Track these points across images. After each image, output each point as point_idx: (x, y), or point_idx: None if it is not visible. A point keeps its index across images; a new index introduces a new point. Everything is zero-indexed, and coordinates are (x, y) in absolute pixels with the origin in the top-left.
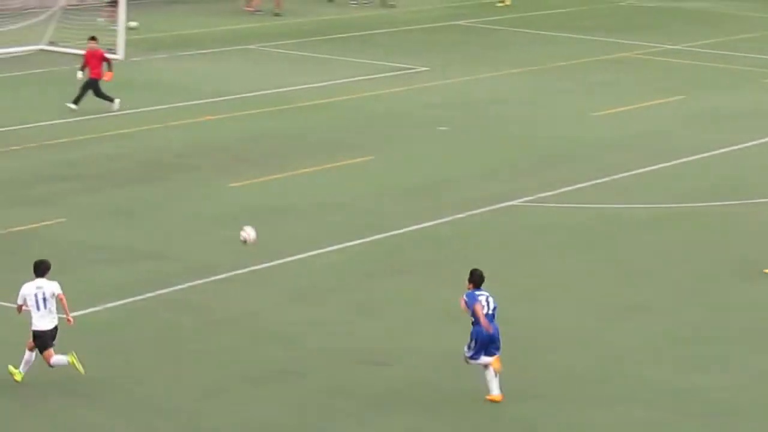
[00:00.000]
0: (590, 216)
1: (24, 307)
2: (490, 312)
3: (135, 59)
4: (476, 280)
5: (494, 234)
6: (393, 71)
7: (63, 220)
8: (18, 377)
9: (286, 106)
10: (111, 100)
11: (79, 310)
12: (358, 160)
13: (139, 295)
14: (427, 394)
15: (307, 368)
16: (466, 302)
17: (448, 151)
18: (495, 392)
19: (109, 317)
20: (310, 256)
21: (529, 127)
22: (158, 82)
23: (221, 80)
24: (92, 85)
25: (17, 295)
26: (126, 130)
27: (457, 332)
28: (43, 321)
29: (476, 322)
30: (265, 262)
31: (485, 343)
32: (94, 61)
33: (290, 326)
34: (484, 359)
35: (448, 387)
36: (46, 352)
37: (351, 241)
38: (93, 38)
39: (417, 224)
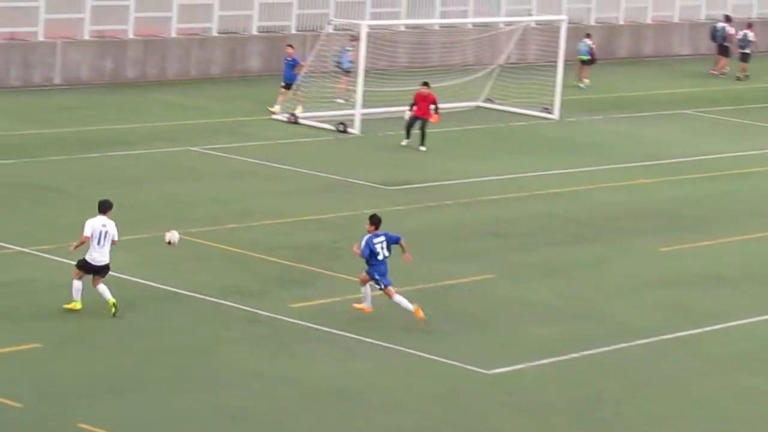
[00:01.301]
0: None
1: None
2: (387, 254)
3: (570, 119)
4: (376, 222)
5: None
6: None
7: (492, 276)
8: (78, 305)
9: (718, 173)
10: (422, 143)
11: (503, 366)
12: None
13: (562, 354)
14: None
15: None
16: (362, 249)
17: None
18: (366, 304)
19: (532, 375)
20: (737, 325)
21: None
22: (592, 143)
23: (655, 144)
24: (417, 120)
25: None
26: (557, 190)
27: None
28: (98, 255)
29: (369, 263)
30: (692, 329)
31: (381, 275)
32: (424, 103)
33: (714, 393)
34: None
35: None
36: (94, 279)
37: None
38: (426, 84)
39: None
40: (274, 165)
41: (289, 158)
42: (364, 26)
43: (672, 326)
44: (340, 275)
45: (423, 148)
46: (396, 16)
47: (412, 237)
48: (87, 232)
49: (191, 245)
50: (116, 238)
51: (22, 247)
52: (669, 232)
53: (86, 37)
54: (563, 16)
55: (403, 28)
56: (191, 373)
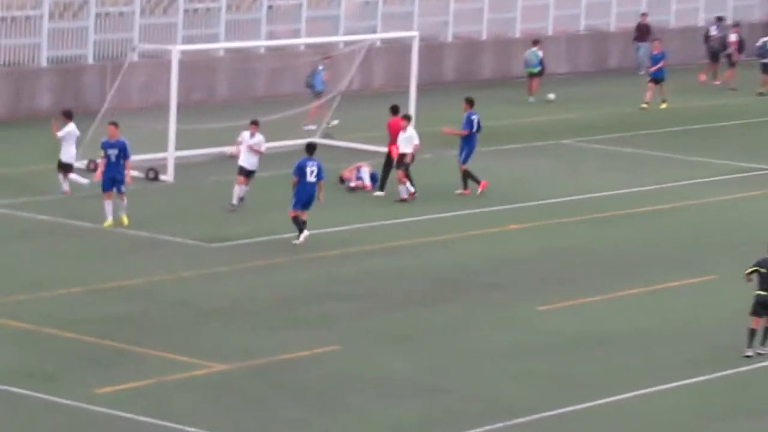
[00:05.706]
0: None
1: None
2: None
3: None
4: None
5: None
6: (741, 172)
7: (337, 347)
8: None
9: (602, 214)
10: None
11: None
12: (695, 280)
13: None
14: None
15: None
16: None
17: None
18: None
19: None
20: (634, 396)
21: None
22: (451, 183)
23: (528, 182)
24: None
25: None
26: (408, 241)
27: None
28: None
29: None
30: (578, 403)
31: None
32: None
33: None
34: None
35: None
36: None
37: (688, 378)
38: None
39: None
40: (70, 222)
41: (87, 215)
42: (175, 51)
43: (553, 401)
44: (153, 353)
45: None
46: (214, 38)
47: (236, 296)
48: None
49: None
50: None
51: None
52: (547, 288)
53: None
54: (415, 33)
55: (222, 53)
56: None
